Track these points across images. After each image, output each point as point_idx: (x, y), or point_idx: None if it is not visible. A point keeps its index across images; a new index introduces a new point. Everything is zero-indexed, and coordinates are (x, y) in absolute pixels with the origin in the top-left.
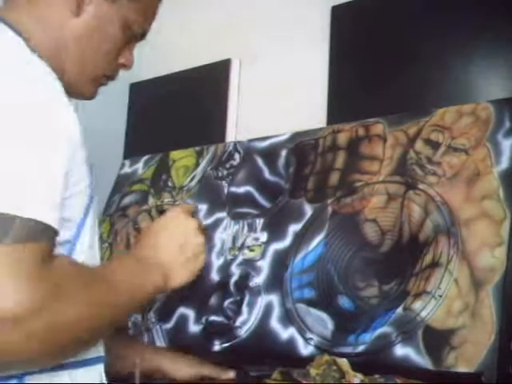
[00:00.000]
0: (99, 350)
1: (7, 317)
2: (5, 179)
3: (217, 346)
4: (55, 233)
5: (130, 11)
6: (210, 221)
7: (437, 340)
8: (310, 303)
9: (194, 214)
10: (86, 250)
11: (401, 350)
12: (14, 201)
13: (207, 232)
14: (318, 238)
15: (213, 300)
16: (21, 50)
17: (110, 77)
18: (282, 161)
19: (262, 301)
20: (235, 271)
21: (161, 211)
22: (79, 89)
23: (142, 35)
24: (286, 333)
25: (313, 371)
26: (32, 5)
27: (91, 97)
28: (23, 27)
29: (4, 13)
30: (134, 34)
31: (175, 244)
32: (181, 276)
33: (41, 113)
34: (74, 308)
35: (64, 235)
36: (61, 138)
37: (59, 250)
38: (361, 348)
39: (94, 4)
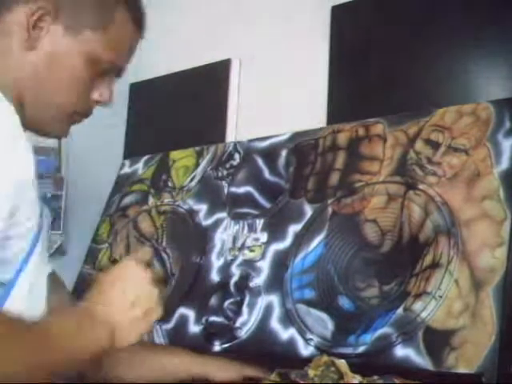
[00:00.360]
0: None
1: None
2: None
3: (217, 347)
4: None
5: (95, 45)
6: (210, 221)
7: (437, 341)
8: (311, 304)
9: (149, 262)
10: (25, 294)
11: (401, 351)
12: None
13: (165, 280)
14: (318, 239)
15: (213, 300)
16: None
17: (83, 114)
18: (282, 161)
19: (262, 301)
20: (235, 272)
21: (113, 261)
22: (46, 126)
23: (118, 71)
24: (286, 333)
25: (311, 372)
26: None
27: (62, 135)
28: None
29: None
30: (104, 69)
31: (126, 300)
32: (129, 335)
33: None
34: None
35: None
36: (6, 181)
37: None
38: (361, 349)
39: (50, 37)
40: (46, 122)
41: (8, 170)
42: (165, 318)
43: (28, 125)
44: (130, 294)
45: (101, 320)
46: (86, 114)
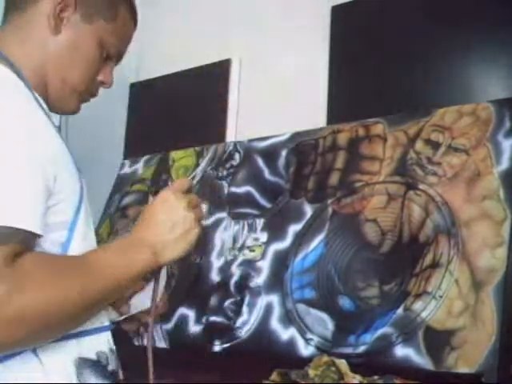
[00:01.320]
0: (102, 321)
1: None
2: None
3: (217, 347)
4: (33, 234)
5: (105, 32)
6: (210, 221)
7: (437, 341)
8: (311, 303)
9: (188, 189)
10: (81, 243)
11: (401, 351)
12: None
13: (204, 205)
14: (319, 239)
15: (213, 300)
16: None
17: (91, 93)
18: (282, 161)
19: (262, 301)
20: (235, 271)
21: (155, 192)
22: (62, 103)
23: (118, 56)
24: (286, 333)
25: (311, 372)
26: (18, 28)
27: (75, 111)
28: (9, 51)
29: None
30: (109, 55)
31: (165, 223)
32: (172, 252)
33: (18, 139)
34: (41, 295)
35: (58, 236)
36: (36, 160)
37: (57, 250)
38: (361, 349)
39: (71, 23)
40: (63, 99)
41: (35, 156)
42: (165, 317)
43: (48, 103)
44: (169, 219)
45: (145, 242)
46: (93, 93)
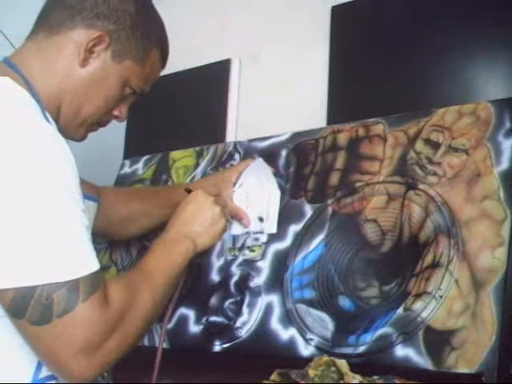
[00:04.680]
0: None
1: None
2: (60, 250)
3: (217, 347)
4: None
5: (132, 73)
6: None
7: (437, 341)
8: (311, 304)
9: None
10: None
11: (401, 351)
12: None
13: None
14: (319, 239)
15: (213, 300)
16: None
17: (102, 125)
18: (282, 161)
19: (262, 301)
20: (235, 271)
21: (188, 191)
22: (69, 131)
23: (140, 95)
24: (286, 333)
25: (311, 372)
26: (43, 49)
27: (80, 139)
28: (29, 70)
29: (15, 56)
30: (131, 94)
31: (196, 217)
32: (204, 240)
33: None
34: (136, 317)
35: None
36: (74, 192)
37: None
38: (361, 349)
39: (99, 59)
40: (72, 127)
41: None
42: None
43: (57, 129)
44: (198, 213)
45: (182, 234)
46: (104, 125)
